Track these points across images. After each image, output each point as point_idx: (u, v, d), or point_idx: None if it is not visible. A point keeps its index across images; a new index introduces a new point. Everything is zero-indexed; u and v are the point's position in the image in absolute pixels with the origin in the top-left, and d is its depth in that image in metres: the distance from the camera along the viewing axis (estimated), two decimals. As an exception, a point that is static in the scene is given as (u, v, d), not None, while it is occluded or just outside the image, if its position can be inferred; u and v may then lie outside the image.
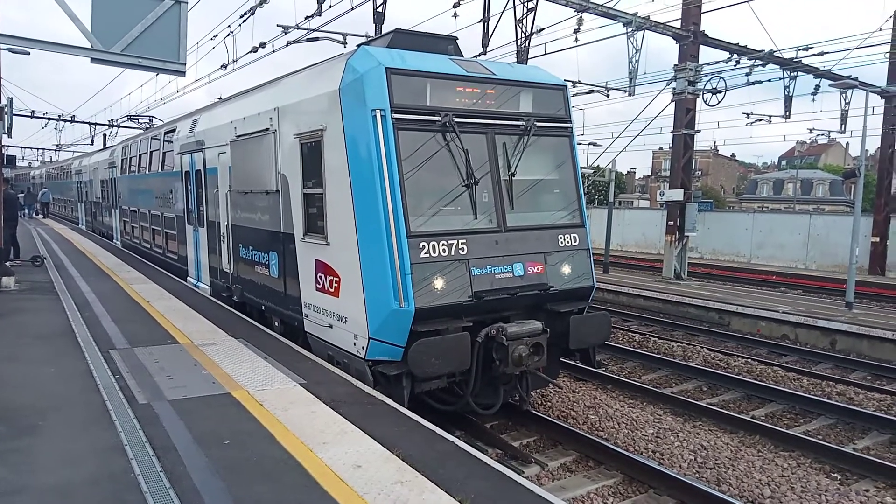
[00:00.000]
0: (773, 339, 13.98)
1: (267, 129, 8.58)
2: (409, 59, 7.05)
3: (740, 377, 10.64)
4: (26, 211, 34.48)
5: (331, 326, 7.38)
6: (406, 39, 7.64)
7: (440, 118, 6.90)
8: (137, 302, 10.64)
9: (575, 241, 7.84)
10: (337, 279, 7.17)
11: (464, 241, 6.86)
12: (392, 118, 6.61)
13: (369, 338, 6.61)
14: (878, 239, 23.17)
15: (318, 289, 7.60)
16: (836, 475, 7.23)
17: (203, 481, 4.28)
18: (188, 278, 13.24)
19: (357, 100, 6.70)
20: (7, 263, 12.83)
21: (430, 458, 4.77)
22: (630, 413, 8.80)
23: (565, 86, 8.28)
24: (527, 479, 4.64)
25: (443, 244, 6.71)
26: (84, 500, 3.99)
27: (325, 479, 4.36)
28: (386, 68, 6.69)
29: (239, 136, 9.57)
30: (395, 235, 6.40)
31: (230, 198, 10.23)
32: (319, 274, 7.54)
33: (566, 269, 7.65)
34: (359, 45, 7.82)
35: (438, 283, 6.60)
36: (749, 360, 11.75)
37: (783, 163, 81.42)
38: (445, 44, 8.05)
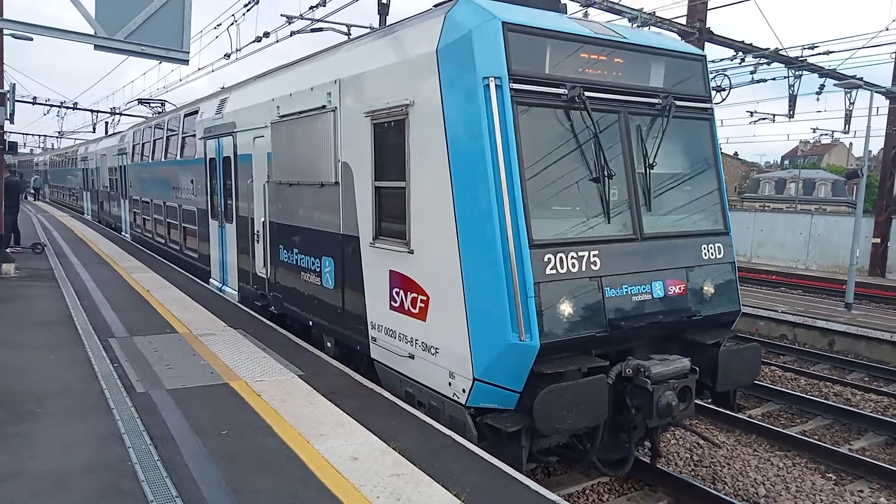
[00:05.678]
0: (772, 338, 14.00)
1: (323, 107, 7.15)
2: (522, 14, 5.40)
3: (738, 376, 10.65)
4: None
5: (412, 357, 5.89)
6: None
7: (567, 91, 5.29)
8: (137, 291, 10.65)
9: (720, 253, 6.20)
10: (424, 298, 5.67)
11: (595, 252, 5.27)
12: (510, 89, 5.03)
13: (474, 378, 5.09)
14: (878, 240, 23.15)
15: (393, 307, 6.13)
16: (831, 475, 7.26)
17: (200, 471, 4.30)
18: (211, 280, 11.83)
19: (462, 65, 5.14)
20: (7, 250, 12.84)
21: (427, 452, 4.78)
22: (627, 410, 8.80)
23: (705, 56, 6.67)
24: (523, 475, 4.65)
25: (572, 257, 5.13)
26: (80, 488, 4.01)
27: (321, 470, 4.37)
28: (503, 23, 5.07)
29: (283, 116, 8.15)
30: (514, 245, 4.84)
31: (268, 190, 8.79)
32: (396, 289, 6.07)
33: (710, 289, 6.06)
34: None
35: (566, 309, 5.02)
36: (747, 359, 11.74)
37: (786, 162, 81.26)
38: (556, 0, 6.28)
